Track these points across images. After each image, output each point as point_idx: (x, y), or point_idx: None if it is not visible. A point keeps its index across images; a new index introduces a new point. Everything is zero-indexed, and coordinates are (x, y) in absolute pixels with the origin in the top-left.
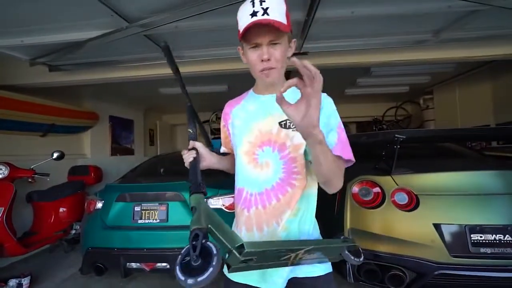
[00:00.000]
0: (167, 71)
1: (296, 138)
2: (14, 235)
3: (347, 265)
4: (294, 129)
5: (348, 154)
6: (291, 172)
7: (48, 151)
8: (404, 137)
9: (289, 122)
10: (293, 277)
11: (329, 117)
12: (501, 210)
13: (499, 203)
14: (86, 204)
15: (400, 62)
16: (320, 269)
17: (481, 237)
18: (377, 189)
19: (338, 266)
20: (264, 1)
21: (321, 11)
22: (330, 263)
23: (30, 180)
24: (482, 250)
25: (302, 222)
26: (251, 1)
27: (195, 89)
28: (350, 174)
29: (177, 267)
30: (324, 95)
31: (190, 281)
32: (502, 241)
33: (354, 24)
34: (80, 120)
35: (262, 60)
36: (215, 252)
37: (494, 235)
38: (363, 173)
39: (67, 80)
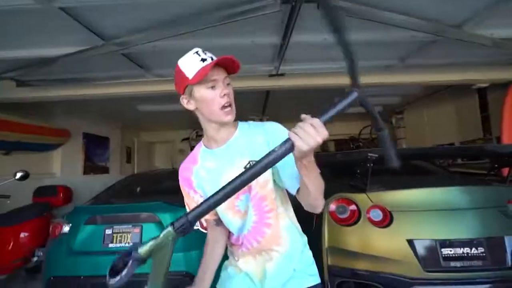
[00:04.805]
0: (146, 88)
1: (261, 177)
2: None
3: (327, 285)
4: None
5: None
6: (263, 212)
7: (12, 170)
8: (376, 155)
9: (251, 164)
10: None
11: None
12: (467, 224)
13: (466, 218)
14: (51, 228)
15: (371, 84)
16: (309, 280)
17: (451, 251)
18: (353, 207)
19: None
20: (206, 53)
21: (295, 36)
22: (318, 275)
23: None
24: (452, 264)
25: (291, 249)
26: (194, 53)
27: (175, 107)
28: (327, 191)
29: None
30: (267, 124)
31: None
32: (469, 254)
33: (327, 49)
34: (49, 138)
35: (224, 95)
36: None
37: (462, 249)
38: (339, 190)
39: (37, 96)
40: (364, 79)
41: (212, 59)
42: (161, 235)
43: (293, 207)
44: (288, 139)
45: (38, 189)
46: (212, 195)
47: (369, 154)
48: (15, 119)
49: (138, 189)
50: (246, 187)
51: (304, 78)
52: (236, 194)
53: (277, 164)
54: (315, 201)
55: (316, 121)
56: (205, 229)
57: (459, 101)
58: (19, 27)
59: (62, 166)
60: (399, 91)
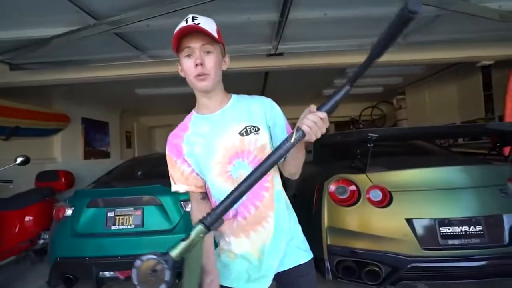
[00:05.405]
0: (142, 70)
1: (260, 140)
2: None
3: (326, 263)
4: (255, 133)
5: None
6: None
7: (12, 156)
8: (377, 135)
9: (248, 128)
10: (279, 272)
11: (275, 117)
12: (466, 203)
13: (465, 197)
14: (54, 212)
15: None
16: (302, 256)
17: (449, 229)
18: (353, 187)
19: (317, 265)
20: (196, 18)
21: (294, 12)
22: (310, 250)
23: None
24: (450, 242)
25: (282, 219)
26: (184, 20)
27: (172, 90)
28: (327, 172)
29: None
30: (264, 98)
31: None
32: (468, 232)
33: (327, 26)
34: (48, 123)
35: (196, 65)
36: (167, 279)
37: (460, 227)
38: (339, 171)
39: (31, 80)
40: (364, 58)
41: (195, 24)
42: (193, 234)
43: (292, 191)
44: (299, 129)
45: (40, 174)
46: (240, 184)
47: (370, 134)
48: (13, 104)
49: (139, 172)
50: (239, 152)
51: (304, 57)
52: (229, 158)
53: (272, 134)
54: (296, 170)
55: (324, 115)
56: None
57: (462, 80)
58: (7, 7)
59: (62, 151)
60: (400, 71)
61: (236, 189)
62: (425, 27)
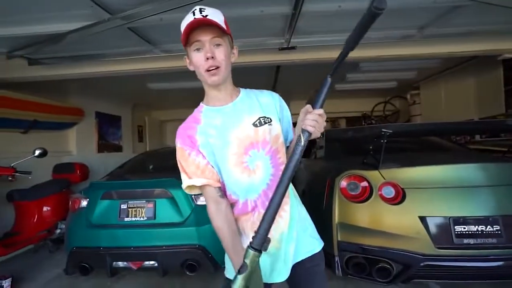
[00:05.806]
0: (155, 65)
1: (273, 130)
2: None
3: (336, 259)
4: (269, 123)
5: None
6: (278, 164)
7: (31, 148)
8: (390, 131)
9: (261, 119)
10: (294, 263)
11: (283, 110)
12: (483, 202)
13: (481, 195)
14: (70, 203)
15: (387, 57)
16: (315, 245)
17: (464, 228)
18: (364, 183)
19: (327, 261)
20: (204, 10)
21: (308, 4)
22: (320, 238)
23: (10, 178)
24: (465, 241)
25: (295, 206)
26: (191, 12)
27: (183, 85)
28: (338, 168)
29: None
30: (272, 92)
31: None
32: (484, 232)
33: (342, 19)
34: (64, 116)
35: (207, 59)
36: None
37: (476, 226)
38: (351, 167)
39: (48, 75)
40: (380, 52)
41: (203, 16)
42: (248, 263)
43: (301, 187)
44: (304, 131)
45: (56, 166)
46: (273, 196)
47: (383, 130)
48: (31, 98)
49: (151, 166)
50: (255, 143)
51: (317, 51)
52: (244, 149)
53: (282, 123)
54: None
55: (321, 111)
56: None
57: (481, 74)
58: (24, 2)
59: (77, 144)
60: (415, 65)
61: (270, 203)
62: (444, 18)
